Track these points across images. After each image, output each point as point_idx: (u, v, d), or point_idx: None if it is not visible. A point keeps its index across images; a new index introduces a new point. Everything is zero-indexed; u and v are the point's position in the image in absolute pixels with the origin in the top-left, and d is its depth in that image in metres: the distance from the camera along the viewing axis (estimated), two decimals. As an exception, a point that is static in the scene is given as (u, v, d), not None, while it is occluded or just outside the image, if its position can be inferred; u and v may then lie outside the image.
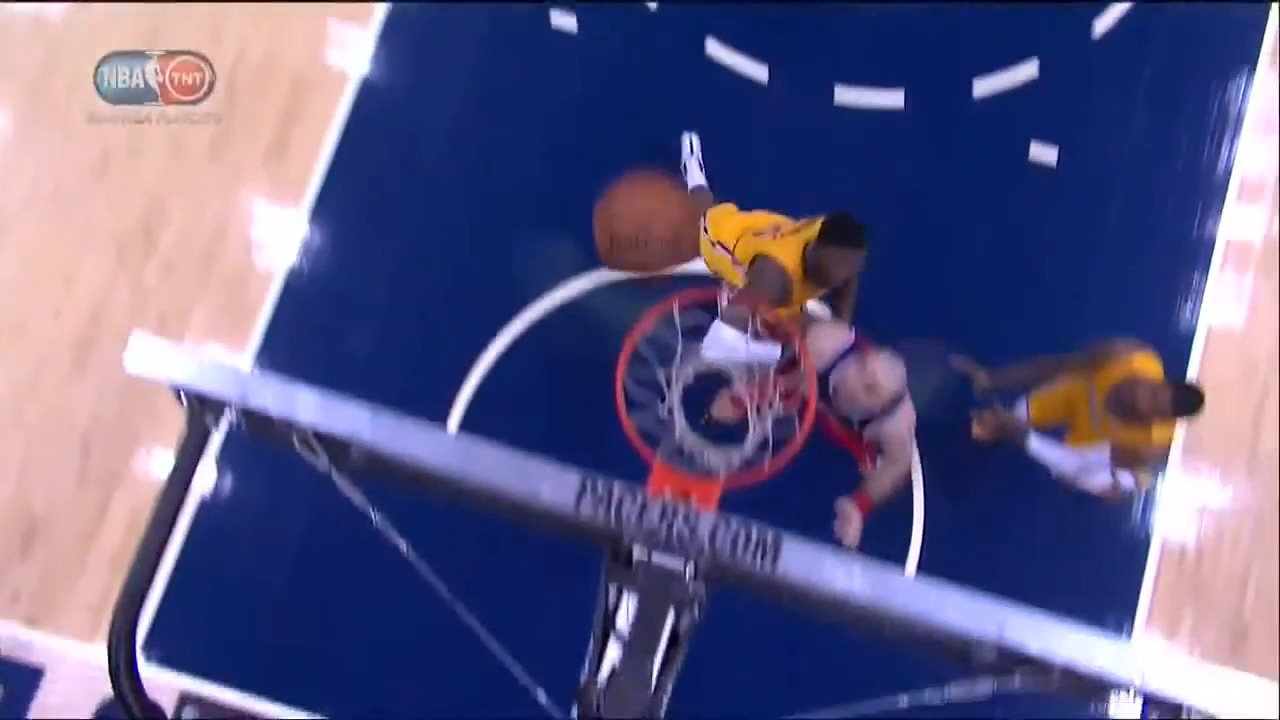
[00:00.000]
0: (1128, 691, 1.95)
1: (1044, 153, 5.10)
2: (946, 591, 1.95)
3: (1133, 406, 3.82)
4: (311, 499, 4.56)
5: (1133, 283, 5.03)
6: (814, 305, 4.62)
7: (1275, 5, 5.37)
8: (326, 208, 5.12)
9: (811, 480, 3.83)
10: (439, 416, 4.67)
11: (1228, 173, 5.18)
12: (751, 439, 3.44)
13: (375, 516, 2.17)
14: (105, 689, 4.13)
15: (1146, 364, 3.92)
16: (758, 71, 5.21)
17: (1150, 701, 1.94)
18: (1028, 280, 5.00)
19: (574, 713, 1.99)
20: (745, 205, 4.41)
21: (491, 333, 4.84)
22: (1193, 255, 5.08)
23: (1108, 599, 4.69)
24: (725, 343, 3.64)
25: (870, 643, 2.12)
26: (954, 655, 2.04)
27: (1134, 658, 1.90)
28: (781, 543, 1.97)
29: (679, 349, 3.45)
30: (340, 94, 5.24)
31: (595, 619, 2.10)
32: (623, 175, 4.34)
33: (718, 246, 4.23)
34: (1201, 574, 4.75)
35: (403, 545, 2.17)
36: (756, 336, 3.64)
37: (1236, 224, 5.13)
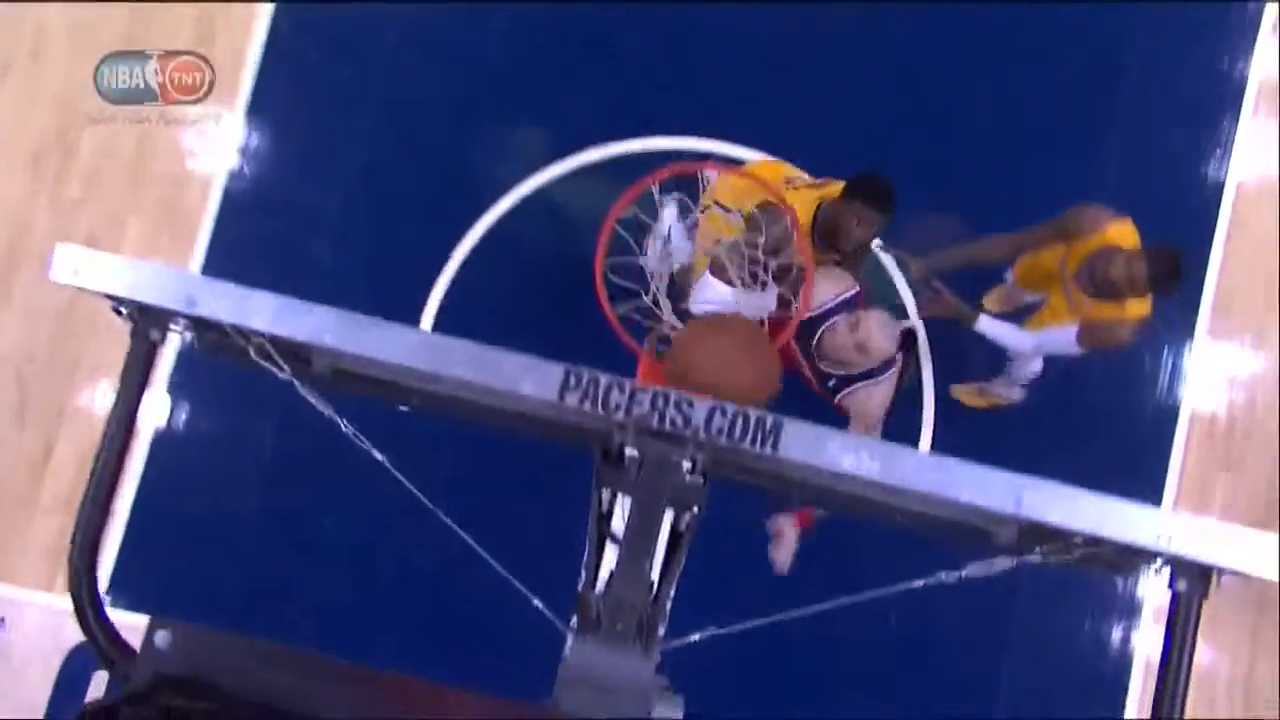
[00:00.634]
0: (1153, 561, 1.98)
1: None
2: (960, 466, 1.97)
3: (1105, 279, 3.71)
4: (275, 421, 4.61)
5: (1154, 134, 5.00)
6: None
7: None
8: (266, 102, 5.01)
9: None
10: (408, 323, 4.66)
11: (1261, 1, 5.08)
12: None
13: (345, 425, 2.17)
14: (71, 635, 4.25)
15: (1122, 233, 3.79)
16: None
17: (1178, 570, 1.96)
18: (1043, 132, 4.99)
19: (573, 622, 2.03)
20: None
21: (459, 230, 4.81)
22: (1220, 99, 5.03)
23: (1134, 478, 4.78)
24: (716, 293, 3.62)
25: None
26: (971, 538, 2.08)
27: (1159, 520, 1.92)
28: (782, 426, 1.99)
29: (662, 232, 3.45)
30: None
31: (589, 526, 2.13)
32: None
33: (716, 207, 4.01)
34: (1233, 443, 4.84)
35: (378, 455, 2.18)
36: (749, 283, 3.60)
37: (1271, 61, 5.05)
